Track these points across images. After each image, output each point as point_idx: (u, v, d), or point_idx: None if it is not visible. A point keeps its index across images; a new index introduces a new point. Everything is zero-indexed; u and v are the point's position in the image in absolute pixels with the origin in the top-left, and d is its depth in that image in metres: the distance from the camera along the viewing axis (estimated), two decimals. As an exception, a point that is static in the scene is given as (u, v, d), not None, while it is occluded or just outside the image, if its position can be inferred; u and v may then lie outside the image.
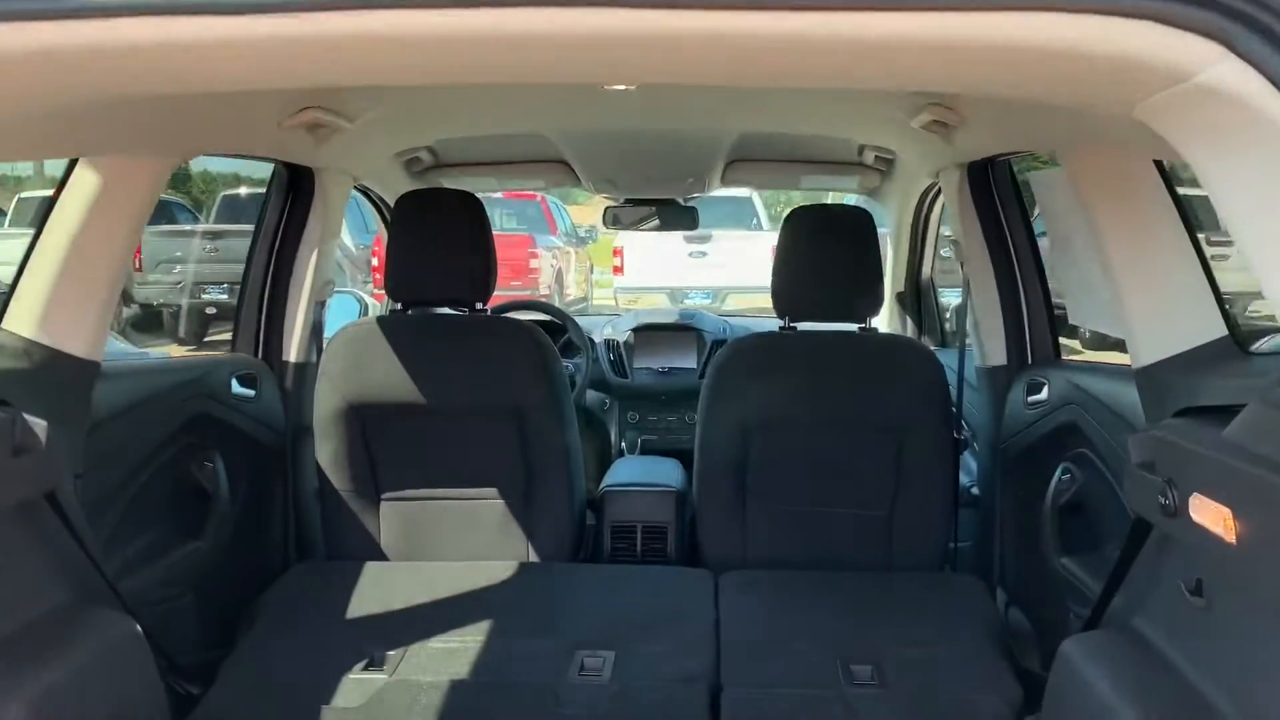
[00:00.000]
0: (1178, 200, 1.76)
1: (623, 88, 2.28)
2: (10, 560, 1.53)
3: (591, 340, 3.96)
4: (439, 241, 2.63)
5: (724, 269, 12.90)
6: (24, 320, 1.78)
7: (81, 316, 1.84)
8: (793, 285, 2.70)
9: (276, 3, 0.95)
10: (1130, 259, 1.69)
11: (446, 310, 2.76)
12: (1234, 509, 1.19)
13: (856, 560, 2.68)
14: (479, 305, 2.69)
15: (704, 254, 13.11)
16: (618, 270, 13.90)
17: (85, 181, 1.82)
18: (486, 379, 2.64)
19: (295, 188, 2.85)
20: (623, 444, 3.88)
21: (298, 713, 1.95)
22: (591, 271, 16.73)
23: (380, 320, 2.70)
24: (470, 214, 2.65)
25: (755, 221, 13.78)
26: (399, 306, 2.71)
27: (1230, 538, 1.19)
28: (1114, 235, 1.72)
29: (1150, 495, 1.42)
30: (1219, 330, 1.67)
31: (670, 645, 2.21)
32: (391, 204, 3.13)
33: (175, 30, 0.97)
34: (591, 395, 3.93)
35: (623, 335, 4.05)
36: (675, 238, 12.87)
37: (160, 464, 2.31)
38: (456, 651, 2.18)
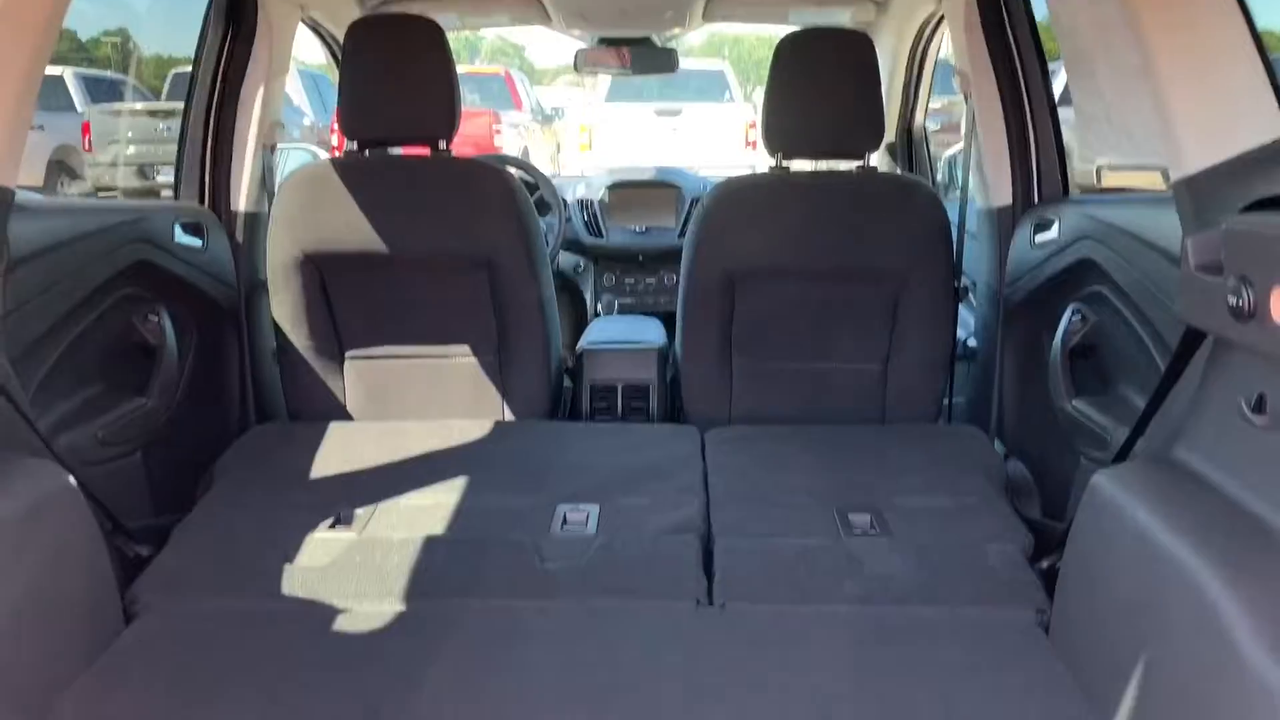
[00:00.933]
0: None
1: None
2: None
3: (564, 200, 3.73)
4: (397, 72, 2.38)
5: (697, 145, 12.53)
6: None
7: (-13, 134, 1.60)
8: (784, 119, 2.48)
9: None
10: (1179, 49, 1.49)
11: (408, 151, 2.53)
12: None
13: (848, 417, 2.54)
14: (442, 145, 2.46)
15: (674, 130, 12.72)
16: (585, 148, 13.50)
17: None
18: (454, 226, 2.43)
19: (236, 17, 2.57)
20: (599, 307, 3.70)
21: (258, 573, 1.80)
22: (559, 151, 16.29)
23: (335, 162, 2.46)
24: (430, 41, 2.39)
25: (728, 95, 13.35)
26: (355, 148, 2.47)
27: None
28: (1157, 24, 1.52)
29: (1215, 300, 1.26)
30: None
31: (656, 498, 2.07)
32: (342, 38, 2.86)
33: None
34: (566, 257, 3.73)
35: (597, 194, 3.83)
36: (646, 113, 12.47)
37: (97, 314, 2.10)
38: (430, 509, 2.03)
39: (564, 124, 15.98)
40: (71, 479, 1.57)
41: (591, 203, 3.81)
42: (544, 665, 1.55)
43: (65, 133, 10.80)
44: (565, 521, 1.99)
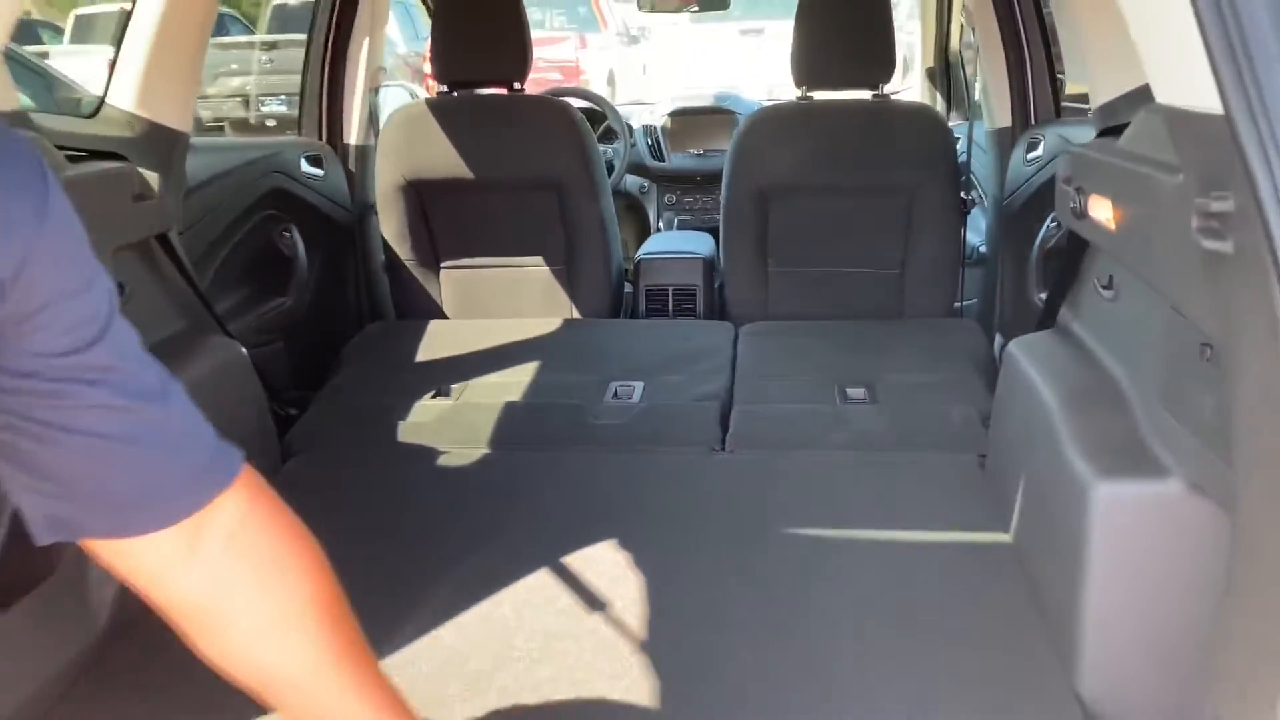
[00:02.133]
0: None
1: None
2: (139, 290, 1.88)
3: (630, 126, 4.17)
4: (478, 26, 2.86)
5: (780, 63, 12.65)
6: (125, 95, 2.07)
7: (171, 92, 2.13)
8: (807, 55, 2.88)
9: None
10: (1090, 4, 1.87)
11: (489, 90, 3.01)
12: (1114, 199, 1.44)
13: (871, 315, 2.97)
14: (517, 85, 2.93)
15: (758, 48, 12.86)
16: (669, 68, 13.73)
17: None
18: (527, 154, 2.91)
19: None
20: (659, 224, 4.15)
21: (380, 428, 2.34)
22: (644, 71, 16.51)
23: (429, 102, 2.96)
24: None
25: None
26: (445, 90, 2.96)
27: (1112, 226, 1.44)
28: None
29: (1066, 204, 1.67)
30: None
31: (691, 376, 2.56)
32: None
33: None
34: (631, 179, 4.17)
35: (660, 120, 4.25)
36: (730, 32, 12.66)
37: (247, 229, 2.65)
38: (508, 384, 2.55)
39: (650, 44, 16.21)
40: (244, 350, 2.12)
41: (655, 129, 4.23)
42: (583, 494, 2.06)
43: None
44: (615, 394, 2.49)
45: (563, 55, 12.60)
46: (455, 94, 2.96)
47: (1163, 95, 1.16)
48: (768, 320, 2.98)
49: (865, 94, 2.93)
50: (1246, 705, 1.01)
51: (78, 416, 0.75)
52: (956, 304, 3.06)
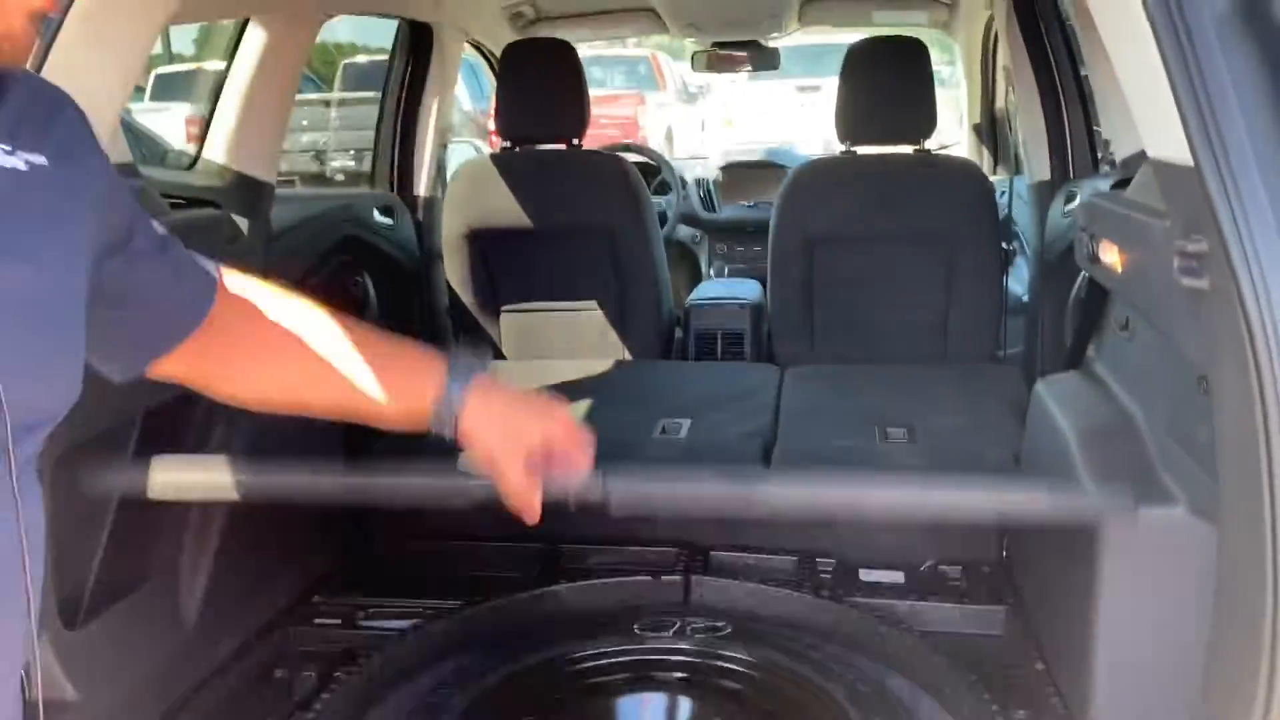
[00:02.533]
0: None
1: None
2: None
3: (683, 179, 4.34)
4: (540, 86, 3.06)
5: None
6: (218, 150, 2.28)
7: (259, 146, 2.33)
8: (852, 111, 3.03)
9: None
10: (1108, 67, 1.98)
11: (549, 146, 3.20)
12: (1119, 244, 1.55)
13: (915, 359, 3.07)
14: (575, 141, 3.12)
15: (815, 105, 13.06)
16: (728, 124, 14.00)
17: (254, 40, 2.29)
18: (583, 205, 3.09)
19: (416, 45, 3.29)
20: (710, 271, 4.30)
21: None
22: (703, 128, 16.83)
23: (493, 156, 3.16)
24: (567, 61, 3.07)
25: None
26: (508, 145, 3.15)
27: (1119, 268, 1.55)
28: (1096, 44, 2.01)
29: (1083, 249, 1.77)
30: None
31: (735, 414, 2.68)
32: (499, 56, 3.54)
33: None
34: (683, 229, 4.33)
35: (712, 174, 4.42)
36: (787, 89, 12.89)
37: (323, 275, 2.84)
38: None
39: (707, 101, 16.56)
40: None
41: (706, 181, 4.40)
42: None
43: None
44: (664, 429, 2.62)
45: (622, 112, 12.94)
46: (517, 149, 3.15)
47: (1152, 150, 1.28)
48: (813, 362, 3.09)
49: (907, 149, 3.06)
50: (1236, 703, 1.10)
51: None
52: (1000, 352, 3.15)
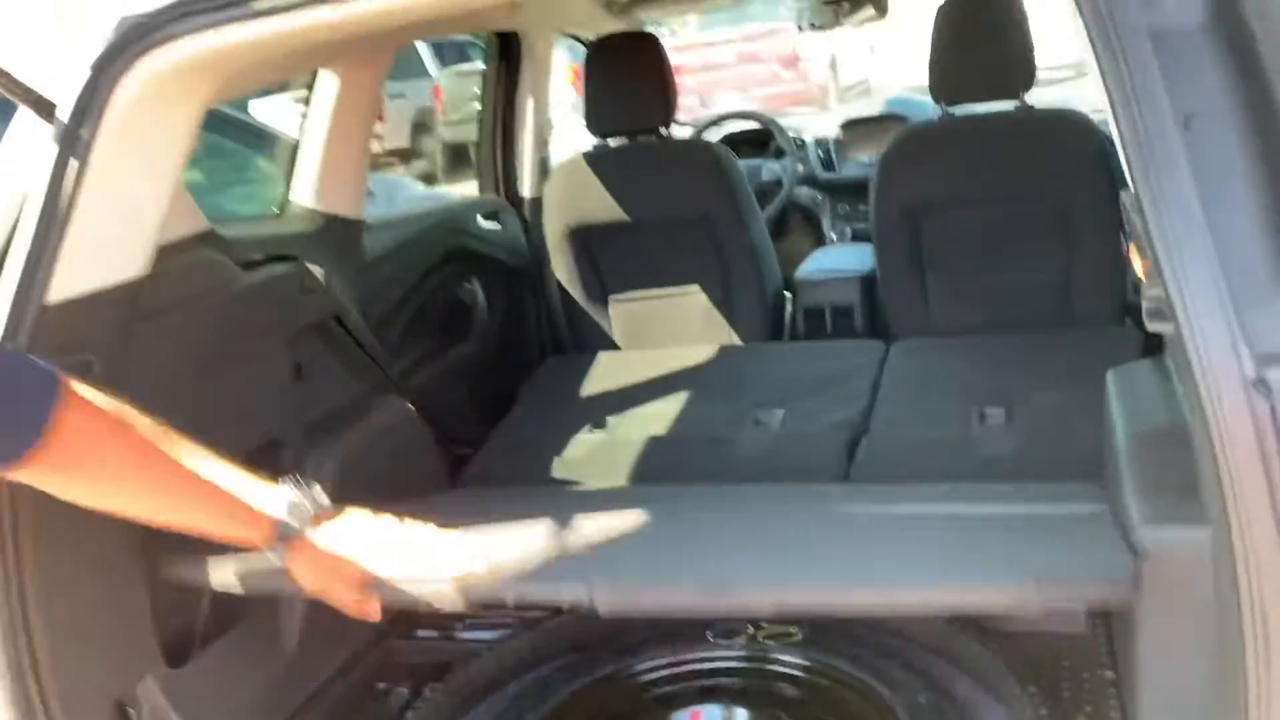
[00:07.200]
0: None
1: None
2: (316, 363, 2.23)
3: (801, 140, 4.25)
4: (626, 79, 3.08)
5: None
6: (304, 193, 2.44)
7: (343, 185, 2.48)
8: (947, 71, 2.89)
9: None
10: None
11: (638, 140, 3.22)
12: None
13: (1039, 321, 2.93)
14: (663, 131, 3.13)
15: None
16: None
17: (327, 85, 2.42)
18: (676, 193, 3.10)
19: (505, 53, 3.37)
20: (832, 234, 4.21)
21: (539, 463, 2.61)
22: (872, 52, 16.18)
23: (586, 155, 3.21)
24: (650, 53, 3.08)
25: None
26: (600, 141, 3.20)
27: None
28: None
29: None
30: None
31: (831, 401, 2.66)
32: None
33: None
34: (804, 191, 4.25)
35: (831, 131, 4.31)
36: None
37: (430, 288, 2.99)
38: (659, 415, 2.75)
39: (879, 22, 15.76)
40: (410, 406, 2.43)
41: (826, 140, 4.29)
42: (714, 527, 2.21)
43: (423, 96, 11.96)
44: (757, 421, 2.63)
45: (779, 47, 12.61)
46: (609, 143, 3.19)
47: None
48: (928, 333, 3.01)
49: (1008, 105, 2.90)
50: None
51: None
52: (1130, 299, 2.96)
